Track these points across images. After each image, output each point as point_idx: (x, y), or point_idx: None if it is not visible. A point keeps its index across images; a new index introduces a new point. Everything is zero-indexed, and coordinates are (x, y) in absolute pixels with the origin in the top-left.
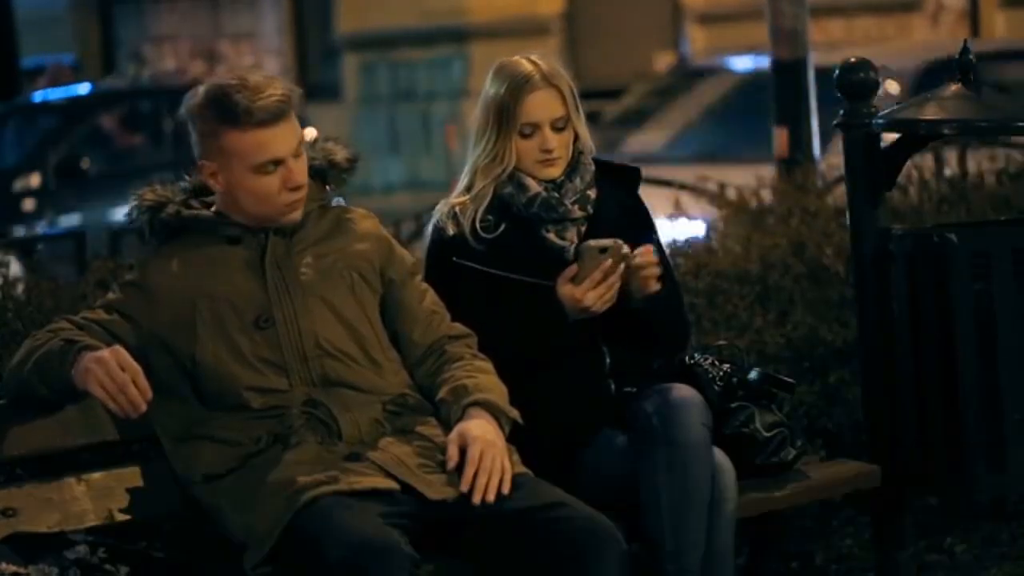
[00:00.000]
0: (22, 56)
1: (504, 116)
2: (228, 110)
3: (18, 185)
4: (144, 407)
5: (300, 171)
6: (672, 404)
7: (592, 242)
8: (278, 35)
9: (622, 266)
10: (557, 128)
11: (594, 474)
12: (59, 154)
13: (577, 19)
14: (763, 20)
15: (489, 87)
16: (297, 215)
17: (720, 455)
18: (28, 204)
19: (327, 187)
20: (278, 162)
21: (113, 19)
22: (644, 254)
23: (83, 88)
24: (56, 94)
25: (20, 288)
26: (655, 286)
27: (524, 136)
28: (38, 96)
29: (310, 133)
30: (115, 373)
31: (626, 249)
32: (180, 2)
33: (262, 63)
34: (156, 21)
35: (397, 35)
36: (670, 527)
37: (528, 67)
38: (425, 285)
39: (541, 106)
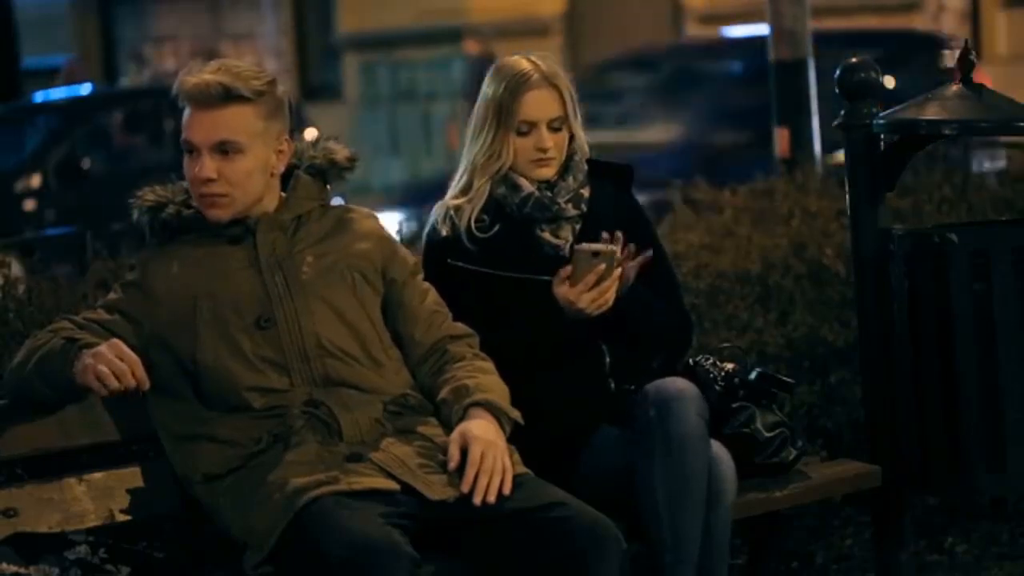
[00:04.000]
0: (22, 56)
1: (502, 113)
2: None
3: (18, 186)
4: (138, 390)
5: (212, 168)
6: (668, 396)
7: (585, 245)
8: (278, 35)
9: (618, 270)
10: (554, 128)
11: (593, 472)
12: (59, 154)
13: (577, 19)
14: (763, 20)
15: (488, 85)
16: (216, 213)
17: (718, 447)
18: (28, 205)
19: (327, 186)
20: (192, 148)
21: (113, 19)
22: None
23: (83, 88)
24: (56, 94)
25: (20, 288)
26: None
27: (520, 134)
28: (38, 96)
29: (311, 133)
30: (112, 363)
31: (619, 254)
32: (180, 2)
33: (262, 63)
34: (156, 21)
35: (397, 35)
36: (667, 518)
37: (527, 66)
38: (427, 285)
39: (538, 104)
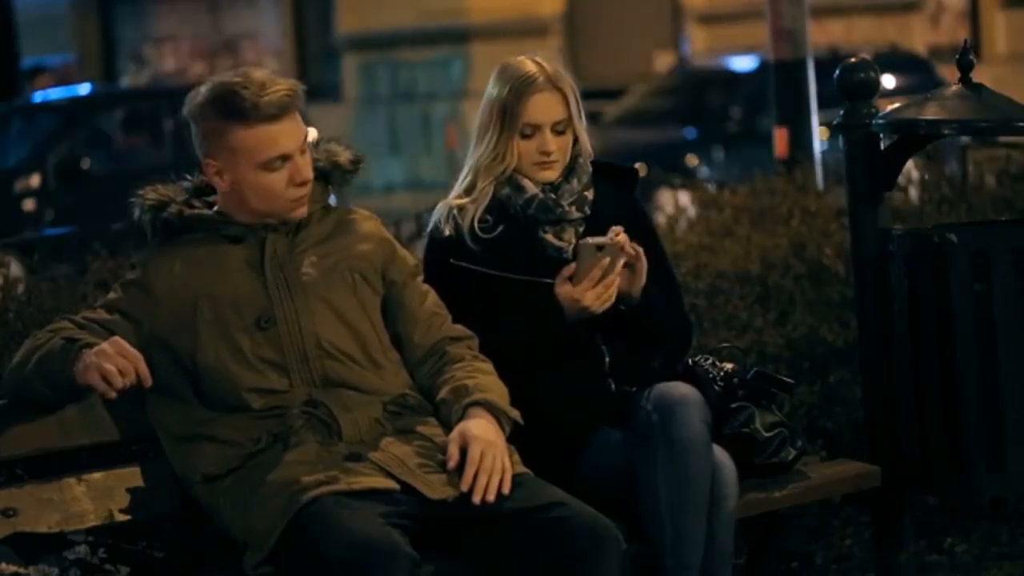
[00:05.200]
0: (22, 56)
1: (506, 116)
2: (234, 106)
3: (18, 186)
4: (145, 383)
5: (306, 167)
6: (671, 402)
7: (589, 240)
8: (278, 35)
9: (620, 264)
10: (557, 131)
11: (593, 472)
12: (59, 155)
13: (577, 19)
14: (763, 20)
15: (492, 87)
16: (303, 211)
17: (720, 452)
18: (28, 205)
19: (329, 188)
20: (286, 158)
21: (113, 19)
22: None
23: (83, 88)
24: (56, 94)
25: (20, 288)
26: (642, 278)
27: (524, 137)
28: (38, 96)
29: (312, 134)
30: (116, 359)
31: (627, 247)
32: (180, 2)
33: (262, 63)
34: (156, 21)
35: (397, 35)
36: (670, 524)
37: (532, 68)
38: (426, 287)
39: (543, 108)
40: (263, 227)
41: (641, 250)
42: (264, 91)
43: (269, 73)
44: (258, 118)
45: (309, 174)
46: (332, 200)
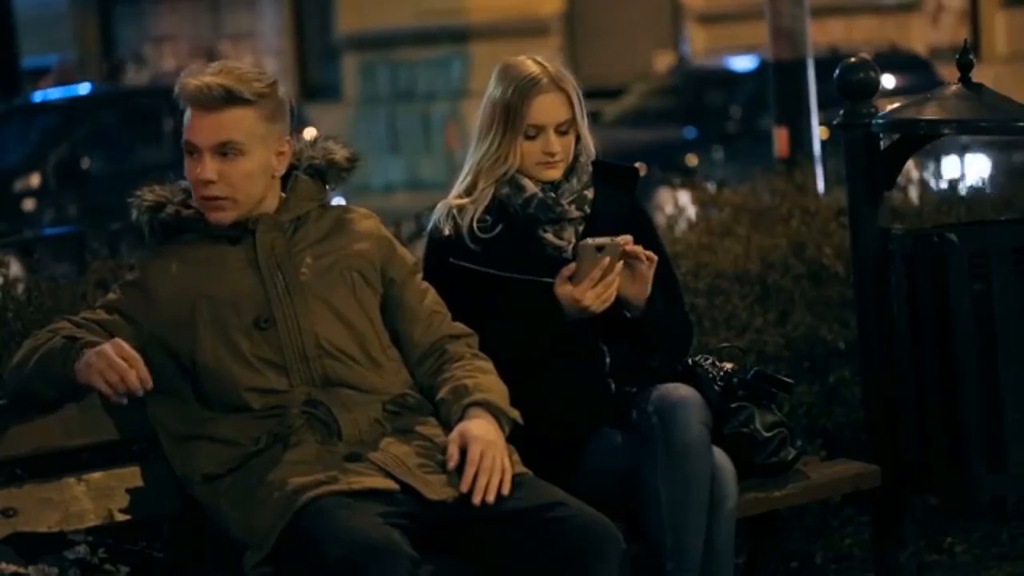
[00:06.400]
0: (22, 56)
1: (510, 117)
2: None
3: (18, 186)
4: (141, 392)
5: (213, 170)
6: (671, 404)
7: (589, 240)
8: (278, 35)
9: (620, 264)
10: (561, 131)
11: (594, 473)
12: (59, 154)
13: (577, 19)
14: (763, 20)
15: (495, 87)
16: (218, 216)
17: (720, 454)
18: (28, 204)
19: (327, 186)
20: (193, 148)
21: (113, 19)
22: (637, 250)
23: (83, 88)
24: (56, 94)
25: (20, 288)
26: (648, 286)
27: (528, 138)
28: (38, 96)
29: (310, 132)
30: (115, 363)
31: (623, 246)
32: (180, 2)
33: (262, 63)
34: (156, 21)
35: (397, 35)
36: (670, 526)
37: (535, 69)
38: (426, 284)
39: (547, 109)
40: (253, 222)
41: (655, 257)
42: (193, 77)
43: (240, 68)
44: (180, 96)
45: (211, 176)
46: (338, 200)
